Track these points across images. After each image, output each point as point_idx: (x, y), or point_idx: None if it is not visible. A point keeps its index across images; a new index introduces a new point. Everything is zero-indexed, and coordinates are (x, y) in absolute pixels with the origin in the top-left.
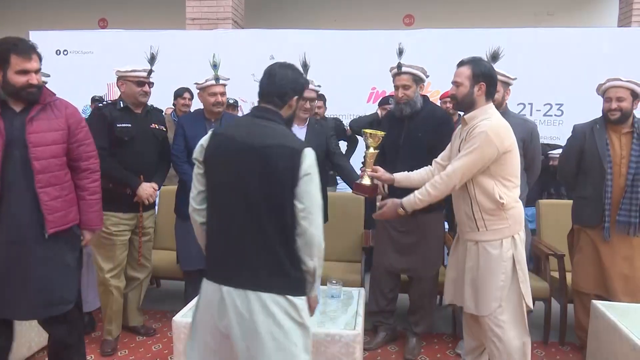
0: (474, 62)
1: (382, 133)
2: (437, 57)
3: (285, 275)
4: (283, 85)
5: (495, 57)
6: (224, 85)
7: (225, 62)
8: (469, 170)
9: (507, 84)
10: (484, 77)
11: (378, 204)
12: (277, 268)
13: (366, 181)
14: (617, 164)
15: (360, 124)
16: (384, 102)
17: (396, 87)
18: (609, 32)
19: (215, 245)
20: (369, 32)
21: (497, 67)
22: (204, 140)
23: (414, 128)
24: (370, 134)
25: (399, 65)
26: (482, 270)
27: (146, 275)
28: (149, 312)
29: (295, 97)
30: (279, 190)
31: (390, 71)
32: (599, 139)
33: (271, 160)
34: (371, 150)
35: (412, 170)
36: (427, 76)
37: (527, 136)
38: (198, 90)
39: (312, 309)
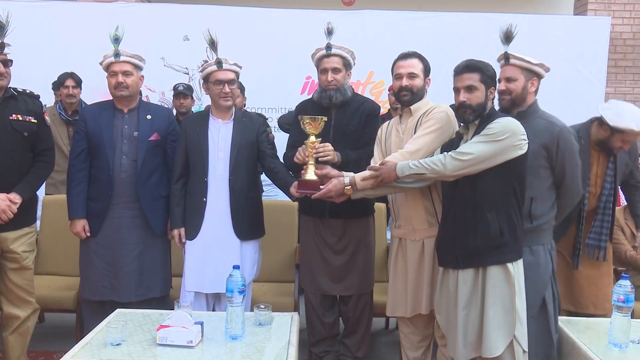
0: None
1: (324, 118)
2: (382, 42)
3: None
4: None
5: (508, 38)
6: (129, 63)
7: (128, 42)
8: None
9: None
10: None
11: (318, 172)
12: None
13: (311, 175)
14: (592, 185)
15: (291, 120)
16: None
17: (324, 71)
18: (565, 20)
19: None
20: (303, 12)
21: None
22: None
23: (344, 120)
24: (310, 119)
25: (329, 46)
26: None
27: (30, 313)
28: (29, 353)
29: None
30: None
31: (314, 55)
32: (583, 158)
33: None
34: (312, 138)
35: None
36: (354, 64)
37: None
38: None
39: None
